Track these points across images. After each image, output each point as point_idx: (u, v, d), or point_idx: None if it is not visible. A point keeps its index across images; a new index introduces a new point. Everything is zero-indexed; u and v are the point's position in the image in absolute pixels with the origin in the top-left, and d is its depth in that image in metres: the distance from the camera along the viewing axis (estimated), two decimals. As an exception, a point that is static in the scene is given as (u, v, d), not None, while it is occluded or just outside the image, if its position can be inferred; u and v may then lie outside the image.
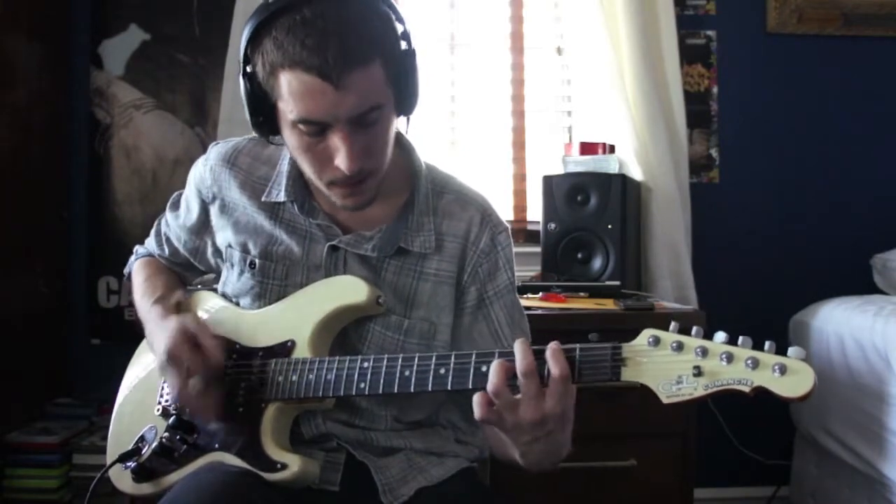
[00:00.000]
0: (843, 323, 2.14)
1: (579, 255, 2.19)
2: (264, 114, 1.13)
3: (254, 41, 1.08)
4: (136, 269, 1.44)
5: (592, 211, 2.18)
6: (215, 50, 2.44)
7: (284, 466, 1.12)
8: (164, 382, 1.22)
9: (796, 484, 2.41)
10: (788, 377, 0.88)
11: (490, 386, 0.98)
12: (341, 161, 1.09)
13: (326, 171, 1.13)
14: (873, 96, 2.63)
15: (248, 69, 1.11)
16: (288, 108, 1.08)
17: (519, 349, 0.99)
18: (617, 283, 2.10)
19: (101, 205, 2.51)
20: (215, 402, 1.16)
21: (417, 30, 2.57)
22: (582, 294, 2.03)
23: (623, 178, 2.21)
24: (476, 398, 1.00)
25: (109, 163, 2.51)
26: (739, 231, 2.60)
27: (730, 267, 2.56)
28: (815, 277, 2.52)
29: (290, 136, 1.13)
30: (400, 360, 1.09)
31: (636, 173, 2.39)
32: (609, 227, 2.16)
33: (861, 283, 2.42)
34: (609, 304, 1.95)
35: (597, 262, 2.17)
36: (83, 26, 2.50)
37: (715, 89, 2.60)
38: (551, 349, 0.99)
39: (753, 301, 2.51)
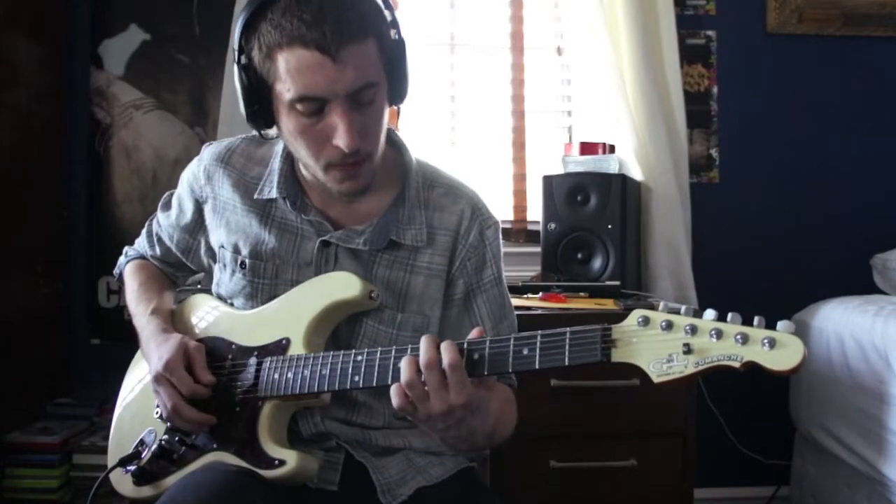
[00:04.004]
0: (843, 323, 2.14)
1: (579, 255, 2.19)
2: (260, 102, 1.15)
3: (249, 28, 1.12)
4: (129, 272, 1.45)
5: (592, 211, 2.18)
6: (215, 50, 2.44)
7: (282, 463, 1.12)
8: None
9: (796, 484, 2.41)
10: (778, 350, 0.87)
11: (403, 378, 1.02)
12: (340, 138, 1.11)
13: (324, 152, 1.14)
14: (873, 96, 2.62)
15: (244, 59, 1.13)
16: (286, 88, 1.10)
17: (422, 344, 1.03)
18: (617, 283, 2.10)
19: (101, 205, 2.51)
20: (202, 420, 1.18)
21: (417, 29, 2.61)
22: (582, 294, 2.03)
23: (623, 178, 2.21)
24: (393, 389, 1.03)
25: (109, 163, 2.51)
26: (739, 231, 2.60)
27: (730, 267, 2.56)
28: (815, 277, 2.52)
29: (287, 121, 1.15)
30: (393, 352, 1.09)
31: (636, 173, 2.38)
32: (609, 227, 2.16)
33: (861, 283, 2.42)
34: (609, 304, 1.95)
35: (597, 262, 2.17)
36: (83, 26, 2.49)
37: (715, 89, 2.60)
38: (444, 341, 1.03)
39: (753, 301, 2.48)
